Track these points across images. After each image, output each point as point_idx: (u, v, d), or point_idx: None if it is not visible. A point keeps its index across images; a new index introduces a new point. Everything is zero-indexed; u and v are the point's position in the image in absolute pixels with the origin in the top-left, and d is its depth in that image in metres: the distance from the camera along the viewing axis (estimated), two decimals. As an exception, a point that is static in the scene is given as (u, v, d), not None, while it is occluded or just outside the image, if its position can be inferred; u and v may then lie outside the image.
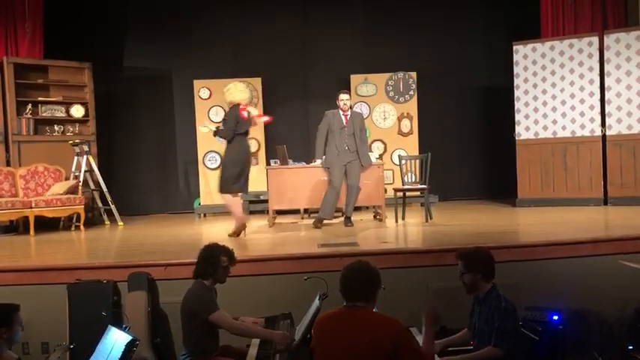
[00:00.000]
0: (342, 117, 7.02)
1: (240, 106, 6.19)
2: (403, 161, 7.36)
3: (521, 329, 3.96)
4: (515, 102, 8.36)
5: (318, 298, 3.61)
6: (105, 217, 8.29)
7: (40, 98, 8.41)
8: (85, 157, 8.09)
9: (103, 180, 8.27)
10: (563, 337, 4.06)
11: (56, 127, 8.51)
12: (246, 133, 6.28)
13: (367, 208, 8.58)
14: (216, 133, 6.27)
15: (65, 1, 8.86)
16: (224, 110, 9.09)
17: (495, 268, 3.59)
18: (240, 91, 6.26)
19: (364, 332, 2.83)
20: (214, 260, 3.81)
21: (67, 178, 8.06)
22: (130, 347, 3.30)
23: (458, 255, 3.62)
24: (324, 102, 9.57)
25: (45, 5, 8.42)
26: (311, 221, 7.49)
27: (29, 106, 8.26)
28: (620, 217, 6.71)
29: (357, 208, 8.55)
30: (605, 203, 7.83)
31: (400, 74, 9.23)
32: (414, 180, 7.42)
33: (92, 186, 8.32)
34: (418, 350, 2.95)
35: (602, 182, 7.88)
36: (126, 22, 9.54)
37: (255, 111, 6.46)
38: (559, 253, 4.97)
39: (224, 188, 6.16)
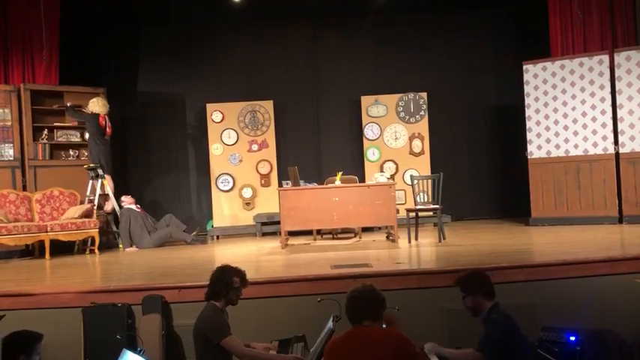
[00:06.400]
0: None
1: (100, 117, 8.27)
2: (415, 181, 7.36)
3: (537, 350, 3.92)
4: (527, 121, 8.36)
5: (331, 319, 3.60)
6: (119, 240, 8.34)
7: (55, 123, 8.55)
8: (99, 181, 8.18)
9: (118, 204, 8.35)
10: (581, 359, 4.00)
11: (71, 152, 8.63)
12: (103, 134, 8.31)
13: (380, 228, 8.57)
14: (71, 111, 8.31)
15: (80, 28, 9.05)
16: (236, 133, 9.24)
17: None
18: (101, 106, 8.28)
19: (372, 349, 2.94)
20: (227, 281, 3.82)
21: (81, 202, 8.15)
22: (144, 370, 3.31)
23: (455, 282, 3.71)
24: (335, 124, 9.70)
25: (61, 32, 8.60)
26: (324, 242, 7.45)
27: (45, 132, 8.40)
28: (636, 236, 6.63)
29: (369, 229, 8.58)
30: (620, 222, 7.75)
31: (411, 95, 9.28)
32: (426, 200, 7.41)
33: (107, 209, 8.40)
34: (418, 355, 3.09)
35: (617, 200, 7.82)
36: (139, 48, 9.71)
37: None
38: (574, 273, 4.91)
39: (105, 171, 8.27)
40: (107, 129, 8.35)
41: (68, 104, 8.31)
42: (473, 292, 3.57)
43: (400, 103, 9.30)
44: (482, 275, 3.68)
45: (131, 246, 8.01)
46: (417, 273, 5.08)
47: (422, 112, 9.26)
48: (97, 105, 8.26)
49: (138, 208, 8.32)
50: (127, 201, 8.32)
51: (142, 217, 8.19)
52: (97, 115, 8.25)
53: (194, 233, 8.35)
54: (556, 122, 8.19)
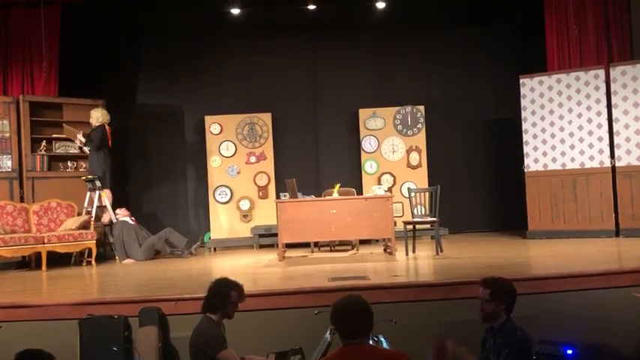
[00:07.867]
0: None
1: (106, 127, 8.32)
2: (412, 194, 7.38)
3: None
4: (524, 134, 8.40)
5: (328, 332, 3.60)
6: (116, 252, 8.32)
7: (54, 135, 8.57)
8: (97, 192, 8.18)
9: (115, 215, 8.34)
10: (579, 372, 3.99)
11: (69, 164, 8.64)
12: (106, 145, 8.35)
13: (377, 241, 8.56)
14: (86, 145, 8.26)
15: (80, 39, 9.09)
16: (235, 145, 9.26)
17: None
18: (106, 114, 8.42)
19: None
20: (224, 295, 3.81)
21: (79, 214, 8.14)
22: (141, 383, 3.30)
23: (484, 282, 3.55)
24: (334, 136, 9.73)
25: (60, 43, 8.63)
26: (322, 255, 7.45)
27: (43, 143, 8.42)
28: (633, 249, 6.64)
29: (367, 242, 8.58)
30: (617, 235, 7.77)
31: (408, 108, 9.32)
32: (423, 213, 7.42)
33: (104, 221, 8.39)
34: None
35: (614, 214, 7.84)
36: (138, 60, 9.75)
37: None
38: (572, 286, 4.92)
39: (106, 185, 8.28)
40: (109, 140, 8.40)
41: (79, 135, 8.21)
42: (499, 300, 3.46)
43: (398, 116, 9.34)
44: (513, 287, 3.56)
45: (128, 257, 8.00)
46: (415, 286, 5.09)
47: (419, 125, 9.30)
48: (104, 115, 8.38)
49: (132, 220, 8.32)
50: (122, 213, 8.32)
51: (136, 228, 8.17)
52: (103, 127, 8.30)
53: (194, 246, 8.32)
54: (553, 135, 8.23)
